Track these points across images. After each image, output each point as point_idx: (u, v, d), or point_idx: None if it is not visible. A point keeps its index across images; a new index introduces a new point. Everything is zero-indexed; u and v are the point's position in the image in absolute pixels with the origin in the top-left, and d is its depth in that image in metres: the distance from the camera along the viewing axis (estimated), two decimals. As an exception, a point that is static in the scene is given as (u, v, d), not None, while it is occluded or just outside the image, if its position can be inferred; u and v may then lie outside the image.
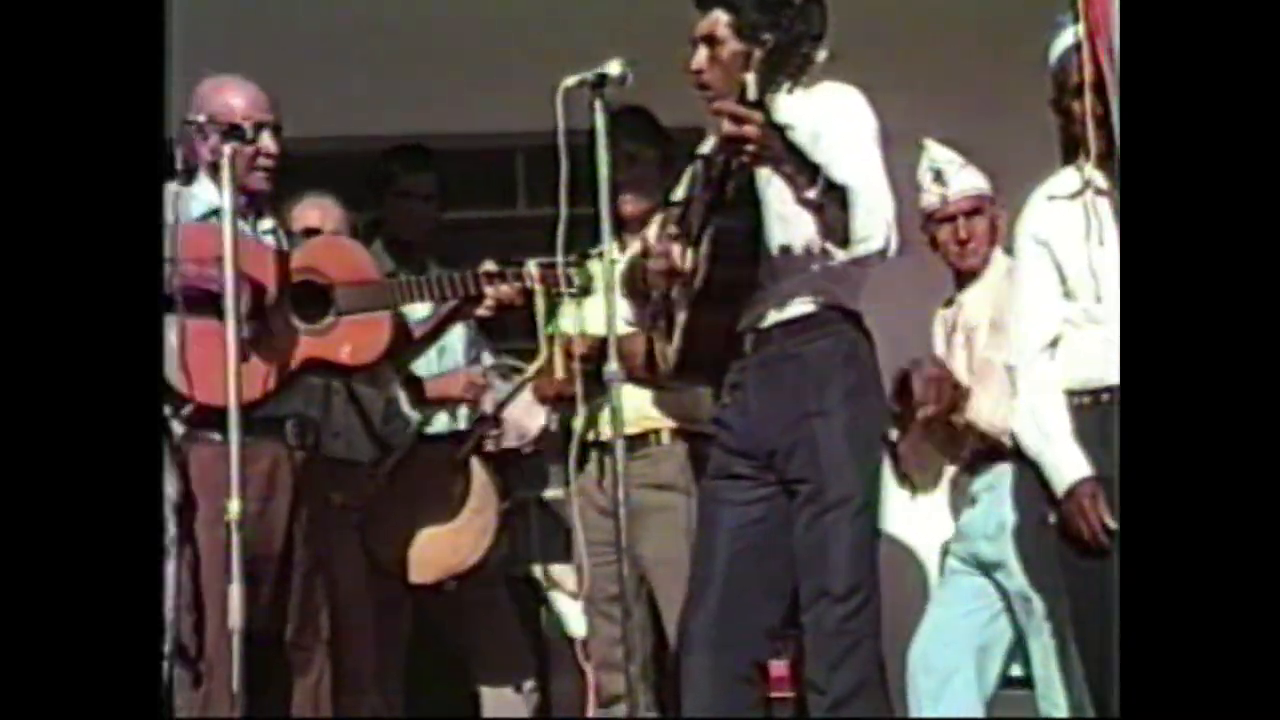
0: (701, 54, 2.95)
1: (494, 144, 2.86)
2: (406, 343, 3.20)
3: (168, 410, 2.84)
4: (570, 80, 2.78)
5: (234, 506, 2.57)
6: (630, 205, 3.58)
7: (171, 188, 2.84)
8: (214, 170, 2.84)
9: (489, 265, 3.04)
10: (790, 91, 2.87)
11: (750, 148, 2.66)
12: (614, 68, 2.82)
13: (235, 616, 2.55)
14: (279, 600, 2.88)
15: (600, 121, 2.81)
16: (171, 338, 2.75)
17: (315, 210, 3.41)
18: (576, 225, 2.92)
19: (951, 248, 3.32)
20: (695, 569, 3.01)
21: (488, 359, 3.79)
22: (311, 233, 3.28)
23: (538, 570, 4.04)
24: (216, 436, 2.72)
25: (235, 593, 2.56)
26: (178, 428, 2.86)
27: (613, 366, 2.81)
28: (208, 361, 2.69)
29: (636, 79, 2.85)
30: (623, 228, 3.59)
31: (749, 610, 2.93)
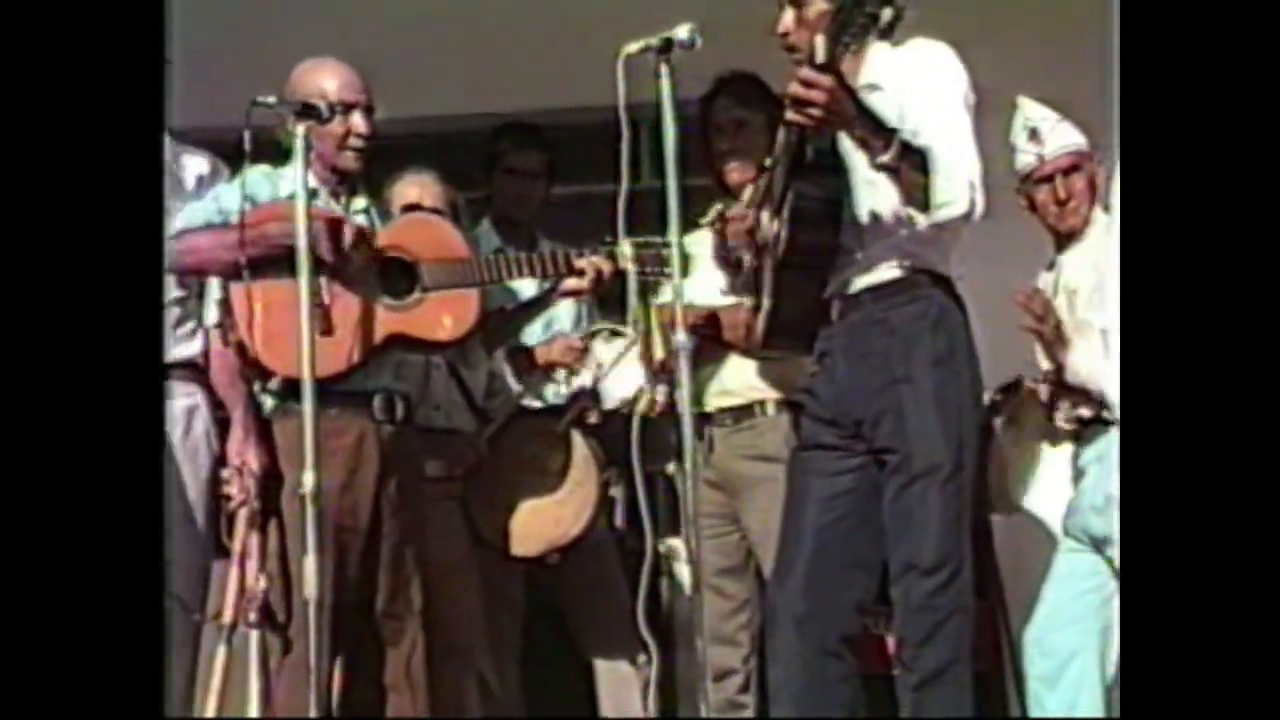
0: (788, 15, 2.88)
1: (600, 118, 2.80)
2: (498, 319, 3.24)
3: (256, 385, 2.95)
4: (633, 46, 2.72)
5: (309, 479, 2.61)
6: (737, 173, 3.53)
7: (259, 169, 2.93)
8: (308, 151, 2.89)
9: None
10: (890, 49, 2.80)
11: (815, 112, 2.58)
12: (681, 32, 2.75)
13: (310, 586, 2.59)
14: (368, 571, 2.92)
15: (666, 88, 2.74)
16: (258, 311, 2.82)
17: (415, 187, 3.43)
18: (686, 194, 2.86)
19: (1050, 208, 3.18)
20: (783, 542, 2.94)
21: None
22: (411, 209, 3.33)
23: (666, 543, 4.01)
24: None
25: (310, 563, 2.59)
26: (267, 400, 2.93)
27: (680, 337, 2.75)
28: (294, 335, 2.72)
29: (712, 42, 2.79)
30: (731, 195, 3.55)
31: (837, 584, 2.85)
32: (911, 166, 2.64)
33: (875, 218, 2.81)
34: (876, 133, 2.63)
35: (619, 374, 3.51)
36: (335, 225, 2.87)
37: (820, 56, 2.58)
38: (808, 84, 2.57)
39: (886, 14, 2.74)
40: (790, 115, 2.63)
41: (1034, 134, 3.18)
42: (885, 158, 2.62)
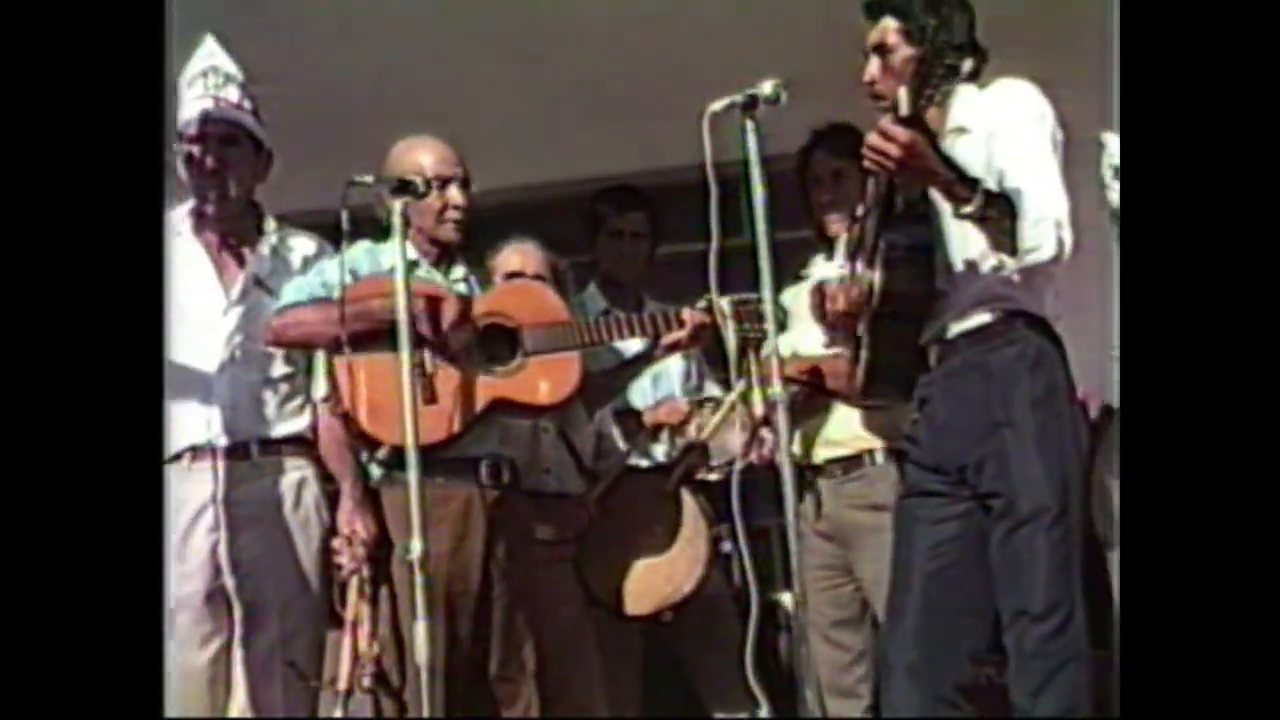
0: (874, 64, 2.88)
1: (702, 176, 2.82)
2: (601, 380, 3.26)
3: (364, 455, 3.00)
4: (718, 104, 2.73)
5: (416, 545, 2.64)
6: (837, 224, 3.53)
7: (362, 245, 3.01)
8: (405, 225, 2.95)
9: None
10: (976, 91, 2.77)
11: (890, 164, 2.57)
12: (766, 88, 2.75)
13: (422, 652, 2.62)
14: (480, 635, 2.95)
15: (752, 144, 2.74)
16: (362, 383, 2.89)
17: (517, 255, 3.49)
18: (781, 250, 2.85)
19: None
20: (892, 590, 2.90)
21: (711, 389, 3.79)
22: (514, 277, 3.38)
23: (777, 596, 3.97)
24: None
25: (420, 629, 2.62)
26: (375, 470, 3.00)
27: (777, 390, 2.73)
28: (398, 405, 2.76)
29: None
30: (831, 245, 3.55)
31: (949, 632, 2.80)
32: (998, 214, 2.61)
33: (968, 263, 2.78)
34: (960, 183, 2.60)
35: (726, 430, 3.50)
36: (436, 303, 2.93)
37: (904, 109, 2.57)
38: (885, 136, 2.56)
39: (967, 64, 2.72)
40: (867, 165, 2.62)
41: (1116, 171, 3.12)
42: (969, 209, 2.60)
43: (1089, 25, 2.74)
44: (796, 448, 3.38)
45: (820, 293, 3.06)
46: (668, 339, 3.14)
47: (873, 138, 2.58)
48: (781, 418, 2.74)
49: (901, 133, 2.54)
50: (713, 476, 3.53)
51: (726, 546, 3.58)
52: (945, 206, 2.73)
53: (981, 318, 2.78)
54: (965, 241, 2.76)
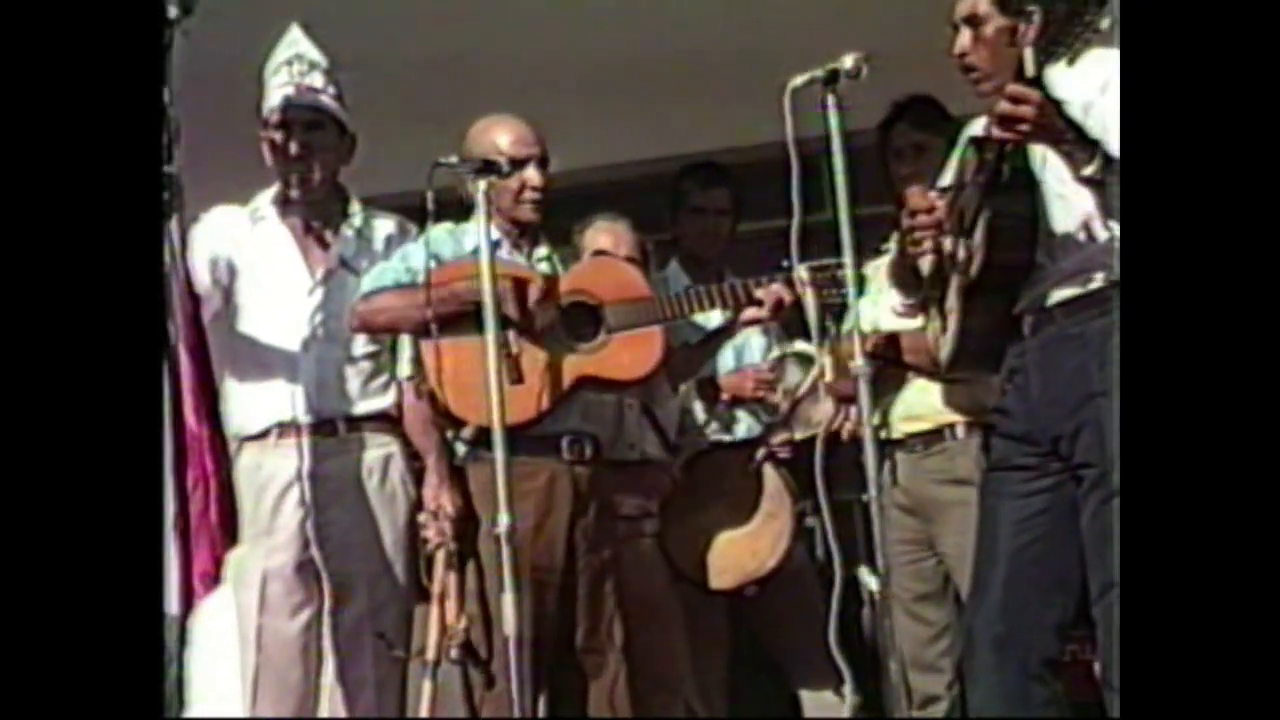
0: (965, 36, 2.77)
1: (784, 153, 2.77)
2: (684, 355, 3.22)
3: (449, 433, 2.99)
4: (799, 79, 2.66)
5: (503, 519, 2.62)
6: (917, 195, 3.44)
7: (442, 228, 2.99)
8: (489, 206, 2.91)
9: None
10: (1070, 63, 2.69)
11: (1025, 127, 2.48)
12: (847, 62, 2.68)
13: (509, 624, 2.60)
14: (567, 608, 2.92)
15: (834, 119, 2.67)
16: (448, 364, 2.87)
17: (607, 235, 3.43)
18: (863, 226, 2.79)
19: None
20: (977, 566, 2.81)
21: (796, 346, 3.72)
22: (601, 254, 3.34)
23: (860, 571, 3.92)
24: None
25: (508, 601, 2.60)
26: (460, 448, 2.98)
27: (859, 362, 2.67)
28: (484, 386, 2.74)
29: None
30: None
31: (1036, 606, 2.70)
32: (1111, 177, 2.53)
33: (1066, 234, 2.68)
34: (1081, 144, 2.50)
35: (809, 402, 3.45)
36: (521, 285, 2.90)
37: (1030, 70, 2.47)
38: (1016, 99, 2.46)
39: (1105, 22, 2.62)
40: (998, 133, 2.52)
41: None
42: (1090, 169, 2.50)
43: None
44: (876, 421, 3.32)
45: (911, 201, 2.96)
46: (747, 315, 3.09)
47: (1004, 104, 2.47)
48: (863, 392, 2.68)
49: (1034, 94, 2.44)
50: (784, 454, 3.48)
51: (810, 521, 3.53)
52: (1049, 175, 2.64)
53: (1080, 288, 2.67)
54: (1066, 210, 2.66)
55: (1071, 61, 2.63)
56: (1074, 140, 2.51)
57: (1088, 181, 2.53)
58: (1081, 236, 2.66)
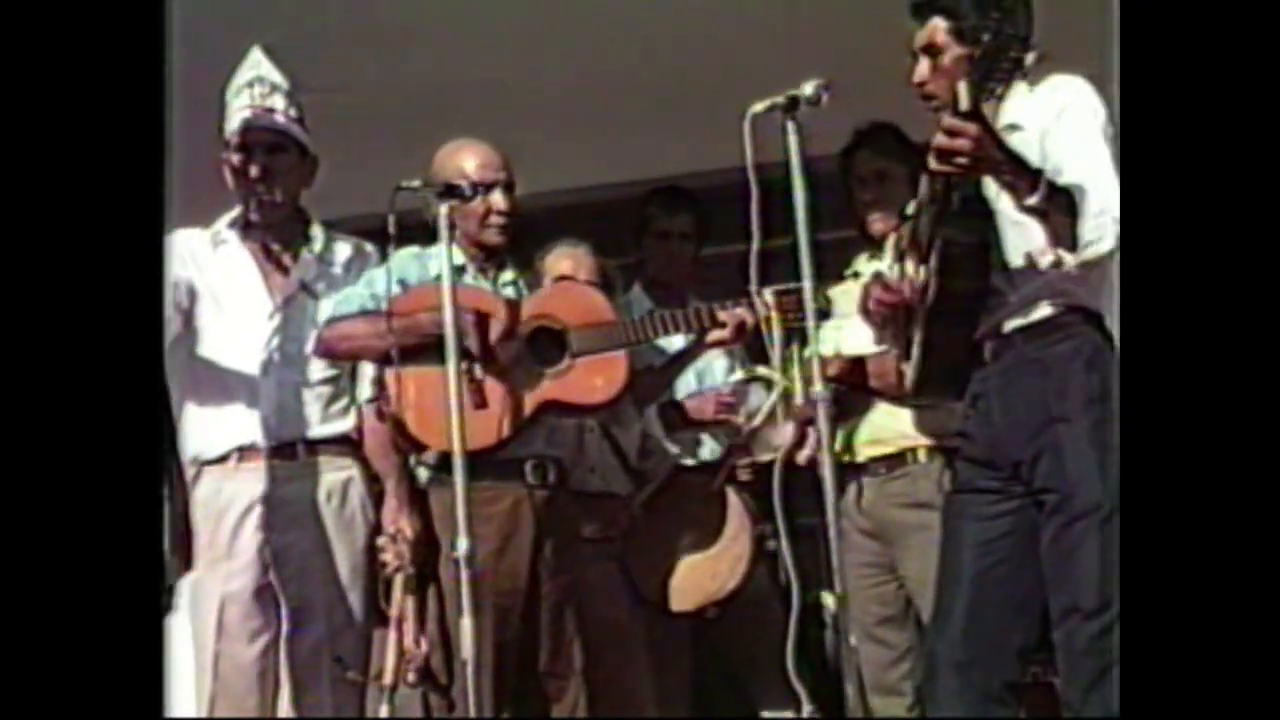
0: (924, 65, 2.78)
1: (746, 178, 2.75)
2: (647, 378, 3.19)
3: (412, 458, 2.95)
4: (759, 106, 2.65)
5: (462, 544, 2.58)
6: (881, 223, 3.44)
7: (409, 250, 2.96)
8: (451, 230, 2.88)
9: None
10: (1027, 89, 2.70)
11: (963, 160, 2.48)
12: (807, 89, 2.67)
13: (467, 648, 2.56)
14: (529, 632, 2.89)
15: (794, 144, 2.66)
16: (410, 389, 2.84)
17: (568, 260, 3.40)
18: (825, 250, 2.77)
19: None
20: (940, 587, 2.79)
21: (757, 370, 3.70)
22: (564, 280, 3.31)
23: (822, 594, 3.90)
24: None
25: (466, 625, 2.56)
26: (422, 472, 2.94)
27: (818, 388, 2.65)
28: (447, 411, 2.70)
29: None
30: (875, 245, 3.46)
31: (998, 629, 2.68)
32: (1058, 207, 2.51)
33: (1025, 259, 2.66)
34: (1023, 175, 2.49)
35: (770, 426, 3.43)
36: (483, 319, 2.87)
37: (964, 104, 2.45)
38: (952, 132, 2.44)
39: (1030, 58, 2.62)
40: (936, 166, 2.51)
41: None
42: (1033, 200, 2.48)
43: (1089, 17, 2.66)
44: (839, 445, 3.31)
45: (879, 285, 2.96)
46: (711, 338, 3.06)
47: (940, 138, 2.46)
48: (823, 416, 2.65)
49: (969, 127, 2.43)
50: (745, 476, 3.46)
51: (772, 544, 3.51)
52: (1002, 203, 2.62)
53: (1039, 313, 2.68)
54: (1022, 236, 2.65)
55: (1001, 96, 2.65)
56: (1014, 171, 2.50)
57: (1031, 211, 2.52)
58: (1042, 263, 2.64)
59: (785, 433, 3.35)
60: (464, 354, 2.75)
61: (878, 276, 3.04)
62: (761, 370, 3.47)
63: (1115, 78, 2.13)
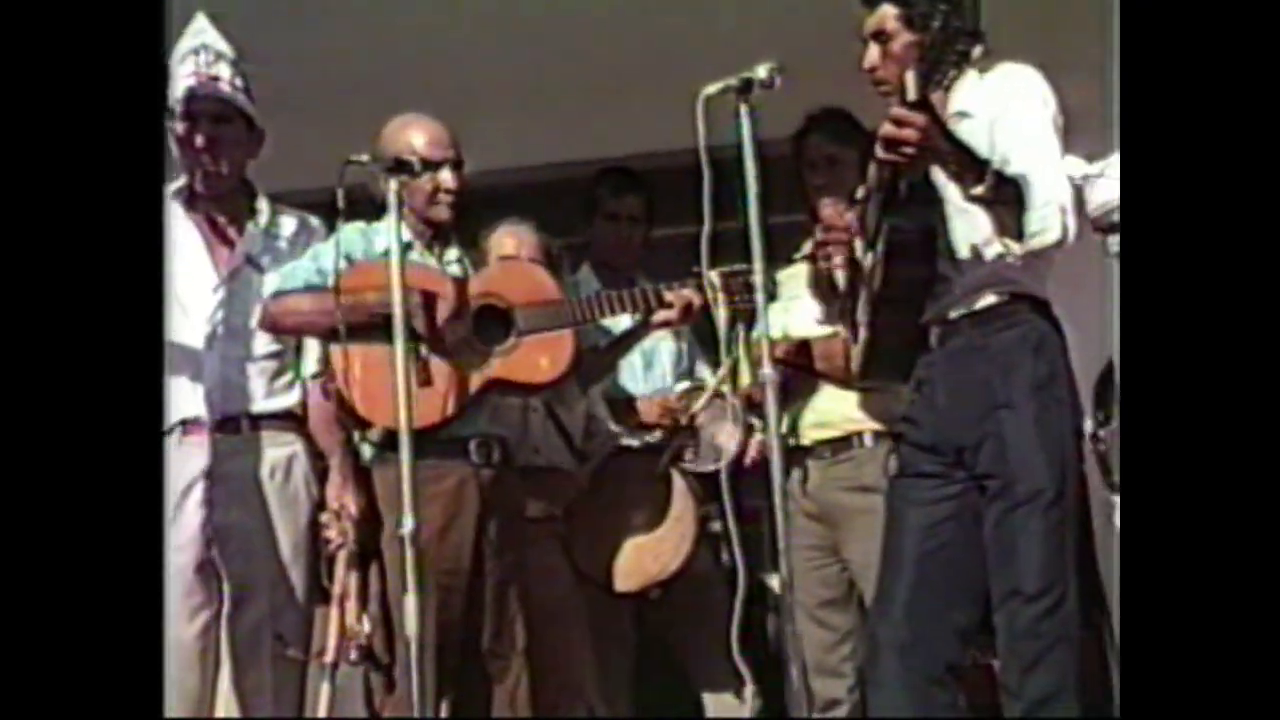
0: (874, 51, 2.77)
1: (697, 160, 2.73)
2: (593, 357, 3.17)
3: (357, 435, 2.91)
4: (712, 88, 2.63)
5: (408, 522, 2.55)
6: (830, 208, 3.43)
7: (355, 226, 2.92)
8: (400, 206, 2.83)
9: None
10: (978, 76, 2.70)
11: (909, 150, 2.47)
12: (760, 72, 2.65)
13: (411, 625, 2.54)
14: (472, 611, 2.86)
15: (746, 127, 2.64)
16: (356, 366, 2.80)
17: (511, 238, 3.37)
18: (775, 234, 2.76)
19: None
20: (883, 570, 2.80)
21: (702, 370, 3.70)
22: (508, 260, 3.29)
23: (766, 576, 3.91)
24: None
25: (410, 603, 2.54)
26: (366, 450, 2.90)
27: (766, 370, 2.64)
28: (392, 389, 2.67)
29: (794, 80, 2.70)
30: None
31: (939, 612, 2.70)
32: (1004, 197, 2.52)
33: (971, 247, 2.68)
34: (969, 165, 2.50)
35: (715, 423, 3.42)
36: (430, 299, 2.84)
37: (912, 94, 2.45)
38: (899, 122, 2.45)
39: (977, 50, 2.63)
40: (883, 155, 2.51)
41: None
42: (978, 190, 2.49)
43: (1089, 11, 2.66)
44: (786, 427, 3.31)
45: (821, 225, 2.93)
46: (657, 318, 3.04)
47: (886, 127, 2.46)
48: (770, 398, 2.65)
49: (917, 117, 2.43)
50: (696, 468, 3.45)
51: (716, 525, 3.50)
52: (949, 191, 2.63)
53: (985, 300, 2.69)
54: (969, 225, 2.66)
55: (948, 87, 2.66)
56: (960, 161, 2.51)
57: (977, 201, 2.53)
58: (988, 253, 2.66)
59: (728, 429, 3.35)
60: (411, 333, 2.72)
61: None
62: (709, 381, 3.49)
63: (1115, 78, 2.13)
